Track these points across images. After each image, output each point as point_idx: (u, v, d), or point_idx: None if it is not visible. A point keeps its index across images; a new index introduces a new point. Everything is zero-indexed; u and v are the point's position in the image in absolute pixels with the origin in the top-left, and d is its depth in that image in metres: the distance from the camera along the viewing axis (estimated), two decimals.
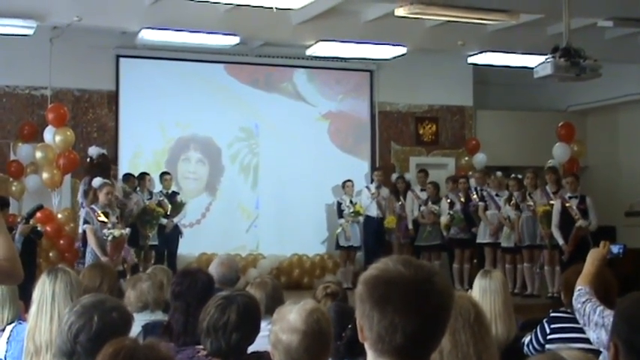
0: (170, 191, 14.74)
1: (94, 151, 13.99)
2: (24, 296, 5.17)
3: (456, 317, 3.29)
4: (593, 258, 4.93)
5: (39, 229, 12.16)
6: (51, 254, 13.66)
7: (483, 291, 5.20)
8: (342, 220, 15.42)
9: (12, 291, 5.22)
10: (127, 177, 14.35)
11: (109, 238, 11.38)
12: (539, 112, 18.32)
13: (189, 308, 4.91)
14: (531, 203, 14.13)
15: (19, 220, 12.00)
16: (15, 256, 3.75)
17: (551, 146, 16.09)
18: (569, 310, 5.13)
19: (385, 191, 15.92)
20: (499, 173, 15.35)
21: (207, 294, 4.78)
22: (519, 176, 14.61)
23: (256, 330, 4.17)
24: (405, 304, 2.26)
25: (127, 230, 11.86)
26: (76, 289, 4.53)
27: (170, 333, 4.92)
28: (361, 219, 15.46)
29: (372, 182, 16.17)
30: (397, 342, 2.28)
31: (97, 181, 12.61)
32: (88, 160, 13.83)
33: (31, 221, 11.43)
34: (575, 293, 4.77)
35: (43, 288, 4.48)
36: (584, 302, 4.66)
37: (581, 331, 4.78)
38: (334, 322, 3.88)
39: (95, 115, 15.53)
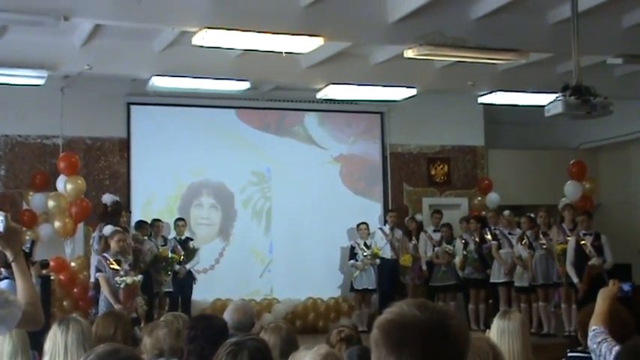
0: (183, 237, 14.74)
1: (108, 198, 14.04)
2: (36, 346, 5.14)
3: None
4: (603, 297, 4.94)
5: (43, 261, 12.08)
6: (65, 303, 13.64)
7: (501, 332, 5.13)
8: (352, 262, 15.41)
9: (23, 341, 5.19)
10: (140, 224, 14.36)
11: (122, 285, 11.37)
12: (550, 151, 18.30)
13: (203, 352, 4.87)
14: (545, 242, 14.06)
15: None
16: (38, 301, 3.80)
17: (563, 184, 16.05)
18: (586, 350, 5.08)
19: (399, 233, 15.90)
20: (506, 212, 15.30)
21: (221, 338, 4.73)
22: (532, 215, 14.57)
23: None
24: (421, 349, 2.22)
25: (140, 277, 11.85)
26: (89, 338, 4.51)
27: None
28: (378, 261, 15.40)
29: (385, 224, 16.15)
30: None
31: (107, 229, 12.63)
32: (103, 207, 13.88)
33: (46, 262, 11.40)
34: (590, 333, 4.74)
35: (55, 339, 4.46)
36: (599, 342, 4.63)
37: None
38: None
39: (107, 163, 15.56)
